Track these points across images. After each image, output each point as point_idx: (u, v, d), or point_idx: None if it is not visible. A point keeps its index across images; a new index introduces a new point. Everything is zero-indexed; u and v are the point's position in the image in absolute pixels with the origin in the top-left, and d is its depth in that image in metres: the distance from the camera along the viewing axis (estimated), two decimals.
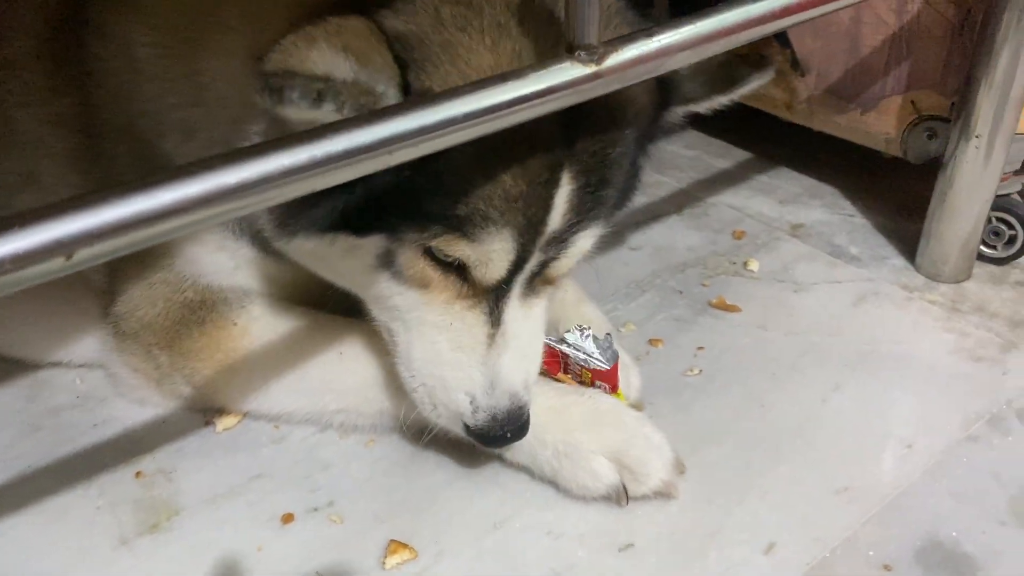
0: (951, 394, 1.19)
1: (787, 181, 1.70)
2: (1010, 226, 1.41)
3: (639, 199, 1.62)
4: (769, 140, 1.81)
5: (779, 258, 1.47)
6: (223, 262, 1.11)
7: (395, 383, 1.07)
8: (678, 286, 1.40)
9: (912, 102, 1.43)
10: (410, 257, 0.91)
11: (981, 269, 1.43)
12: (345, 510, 1.03)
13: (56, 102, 1.09)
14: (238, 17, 0.92)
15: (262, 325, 1.13)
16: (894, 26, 1.40)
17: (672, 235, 1.54)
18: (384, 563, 0.96)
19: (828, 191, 1.67)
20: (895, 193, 1.59)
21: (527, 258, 0.91)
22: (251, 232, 1.08)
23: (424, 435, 1.07)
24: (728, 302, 1.35)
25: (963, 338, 1.29)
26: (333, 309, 1.14)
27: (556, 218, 0.89)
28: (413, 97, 0.76)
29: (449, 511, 1.03)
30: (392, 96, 0.75)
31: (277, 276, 1.14)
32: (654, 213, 1.60)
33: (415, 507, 1.04)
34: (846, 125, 1.53)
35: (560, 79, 0.71)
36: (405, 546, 0.98)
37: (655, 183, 1.69)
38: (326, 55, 0.72)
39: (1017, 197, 1.42)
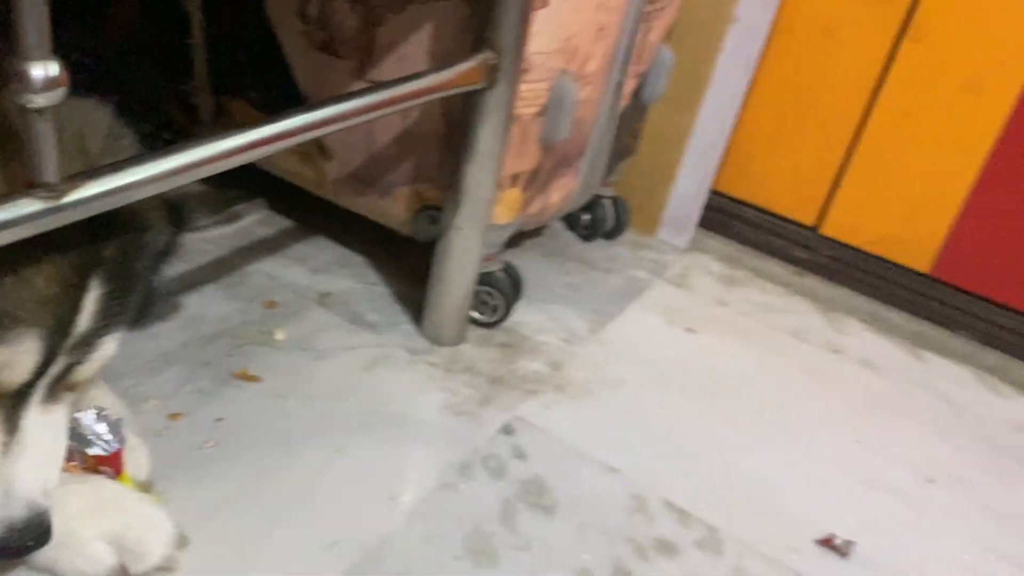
0: (434, 447, 1.42)
1: (321, 250, 1.87)
2: (494, 297, 1.71)
3: (176, 268, 1.69)
4: (308, 209, 1.96)
5: (305, 327, 1.62)
6: None
7: None
8: (205, 357, 1.48)
9: (417, 192, 1.67)
10: None
11: (473, 333, 1.71)
12: None
13: None
14: None
15: None
16: (401, 127, 1.63)
17: (205, 304, 1.61)
18: None
19: (357, 260, 1.86)
20: (412, 264, 1.81)
21: (51, 361, 0.94)
22: None
23: None
24: (250, 372, 1.46)
25: (452, 395, 1.54)
26: None
27: (84, 320, 0.94)
28: None
29: None
30: None
31: None
32: (189, 282, 1.66)
33: None
34: (367, 206, 1.73)
35: (18, 213, 0.76)
36: None
37: (195, 250, 1.75)
38: None
39: (499, 273, 1.72)
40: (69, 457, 1.13)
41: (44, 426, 0.99)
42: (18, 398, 0.96)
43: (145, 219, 1.00)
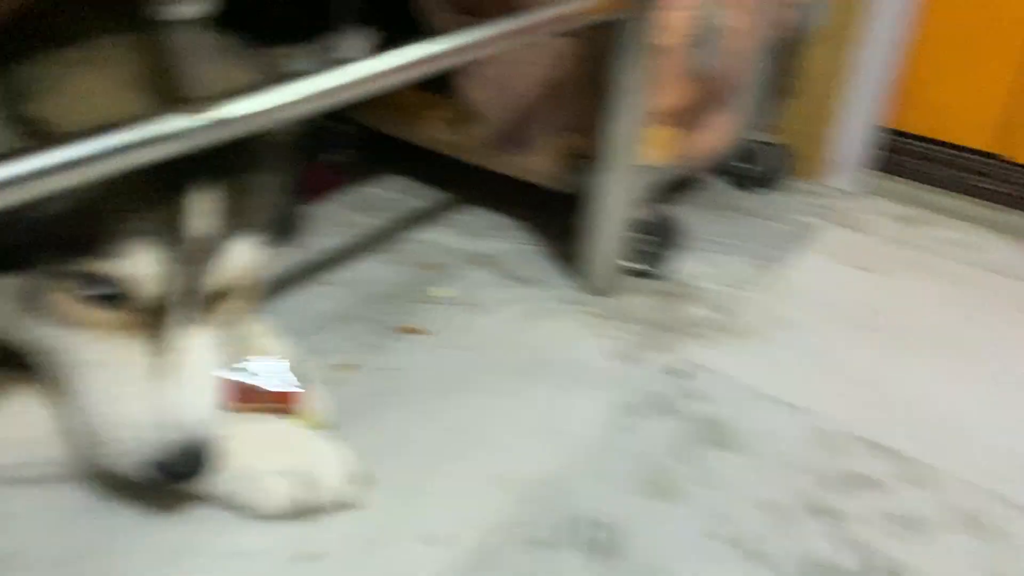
0: (601, 389, 1.38)
1: (473, 217, 1.88)
2: (649, 244, 1.67)
3: (339, 239, 1.75)
4: (461, 183, 1.99)
5: (462, 285, 1.63)
6: None
7: (66, 428, 1.07)
8: (374, 315, 1.51)
9: (564, 142, 1.65)
10: (57, 295, 0.92)
11: (632, 284, 1.67)
12: (32, 562, 1.02)
13: None
14: None
15: None
16: (543, 76, 1.62)
17: (368, 269, 1.65)
18: None
19: (508, 223, 1.87)
20: (561, 224, 1.79)
21: (179, 273, 0.93)
22: None
23: (106, 481, 1.08)
24: (416, 327, 1.48)
25: (615, 341, 1.50)
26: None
27: (197, 223, 0.92)
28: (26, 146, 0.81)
29: (128, 546, 1.05)
30: None
31: None
32: (352, 250, 1.71)
33: (98, 549, 1.05)
34: (515, 164, 1.73)
35: (168, 129, 0.79)
36: None
37: (358, 223, 1.81)
38: None
39: (653, 219, 1.67)
40: (243, 398, 1.17)
41: (194, 349, 0.99)
42: (162, 317, 0.96)
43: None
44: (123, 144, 0.75)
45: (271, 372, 1.17)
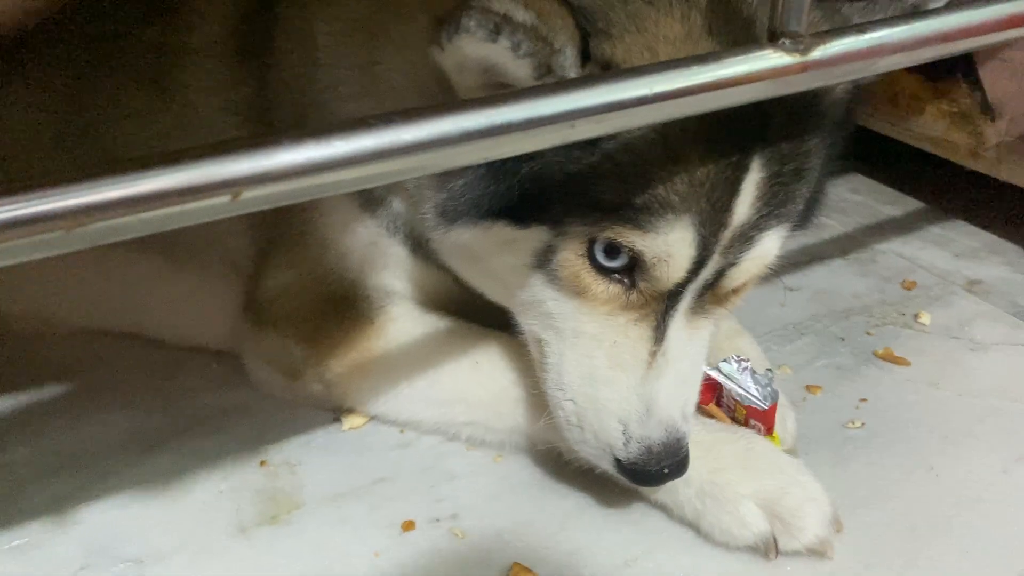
0: None
1: (962, 234, 1.57)
2: None
3: (799, 239, 1.54)
4: (942, 190, 1.68)
5: (954, 314, 1.34)
6: (373, 258, 1.09)
7: (531, 400, 1.02)
8: (840, 332, 1.29)
9: None
10: (569, 257, 0.84)
11: None
12: (469, 525, 0.97)
13: (235, 91, 1.10)
14: (418, 5, 0.91)
15: (398, 327, 1.10)
16: None
17: (835, 279, 1.43)
18: None
19: (1010, 248, 1.53)
20: None
21: (707, 258, 0.82)
22: (405, 230, 1.06)
23: (557, 458, 1.01)
24: (896, 354, 1.23)
25: None
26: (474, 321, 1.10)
27: (743, 208, 0.80)
28: (607, 72, 0.72)
29: (576, 543, 0.96)
30: (570, 55, 0.72)
31: (422, 281, 1.11)
32: (815, 255, 1.50)
33: (541, 532, 0.97)
34: None
35: (761, 66, 0.65)
36: (529, 572, 0.91)
37: (817, 224, 1.58)
38: (506, 2, 0.68)
39: None
40: (717, 401, 1.03)
41: (688, 342, 0.88)
42: (668, 303, 0.85)
43: (818, 100, 0.81)
44: (708, 79, 0.61)
45: (751, 380, 1.00)
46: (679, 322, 0.87)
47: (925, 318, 1.31)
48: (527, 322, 0.95)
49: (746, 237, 0.83)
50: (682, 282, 0.83)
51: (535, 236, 0.84)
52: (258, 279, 1.15)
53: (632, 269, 0.83)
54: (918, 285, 1.41)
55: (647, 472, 0.88)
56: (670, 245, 0.79)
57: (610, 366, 0.88)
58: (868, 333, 1.29)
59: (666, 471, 0.87)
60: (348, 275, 1.09)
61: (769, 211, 0.82)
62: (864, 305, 1.36)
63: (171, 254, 1.20)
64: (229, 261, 1.19)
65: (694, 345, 0.90)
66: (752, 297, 1.25)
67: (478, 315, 1.08)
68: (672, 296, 0.85)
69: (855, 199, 1.69)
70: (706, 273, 0.84)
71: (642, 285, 0.84)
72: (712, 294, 0.88)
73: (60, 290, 1.24)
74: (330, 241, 1.08)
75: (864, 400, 1.15)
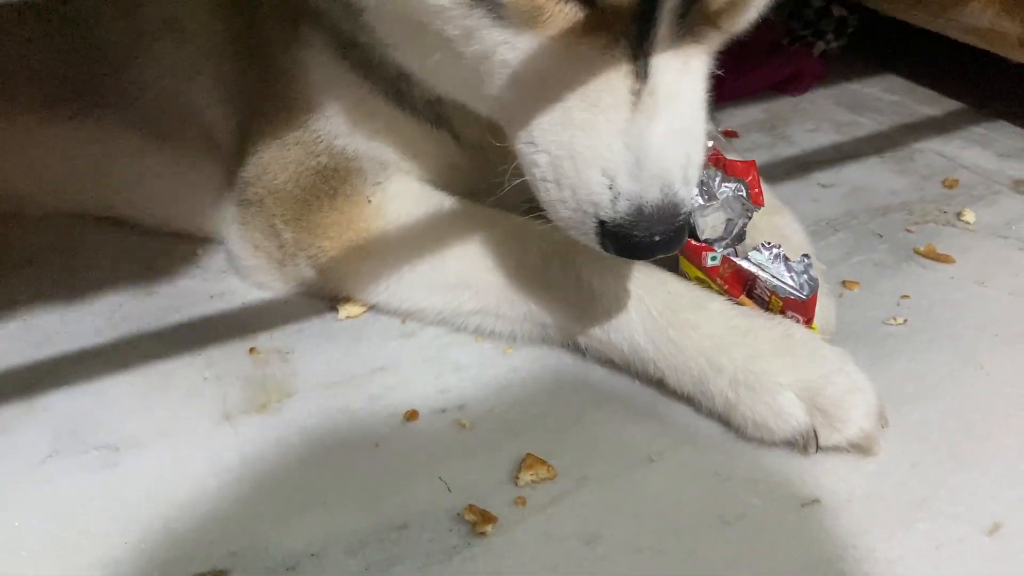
0: None
1: (1007, 135, 1.46)
2: None
3: (830, 136, 1.44)
4: (981, 91, 1.57)
5: (999, 213, 1.24)
6: (361, 120, 0.98)
7: (543, 284, 0.92)
8: (878, 229, 1.19)
9: None
10: None
11: None
12: (476, 416, 0.89)
13: None
14: None
15: (397, 206, 0.99)
16: None
17: (871, 176, 1.33)
18: (517, 478, 0.81)
19: None
20: None
21: None
22: (386, 80, 0.96)
23: (574, 350, 0.93)
24: (939, 251, 1.14)
25: None
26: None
27: None
28: None
29: (595, 436, 0.87)
30: None
31: (419, 146, 1.01)
32: (848, 153, 1.40)
33: (556, 426, 0.88)
34: None
35: None
36: (544, 463, 0.82)
37: (850, 122, 1.48)
38: None
39: None
40: (748, 292, 0.93)
41: (680, 75, 0.72)
42: (641, 28, 0.69)
43: None
44: None
45: (785, 268, 0.90)
46: (662, 47, 0.70)
47: (969, 216, 1.22)
48: (493, 101, 0.79)
49: None
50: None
51: None
52: (241, 155, 1.05)
53: None
54: (960, 184, 1.30)
55: (635, 239, 0.73)
56: None
57: (585, 107, 0.72)
58: (908, 230, 1.19)
59: (657, 239, 0.73)
60: (338, 143, 0.99)
61: None
62: (903, 202, 1.26)
63: (146, 129, 1.10)
64: (208, 137, 1.09)
65: (688, 79, 0.73)
66: (782, 192, 1.17)
67: (487, 195, 0.98)
68: (645, 13, 0.69)
69: (890, 99, 1.58)
70: None
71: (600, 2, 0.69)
72: (699, 11, 0.72)
73: (30, 169, 1.14)
74: (315, 104, 0.98)
75: (906, 297, 1.06)
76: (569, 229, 0.79)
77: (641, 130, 0.71)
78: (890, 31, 1.65)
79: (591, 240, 0.77)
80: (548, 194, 0.77)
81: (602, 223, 0.74)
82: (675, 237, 0.74)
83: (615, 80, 0.70)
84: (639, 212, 0.71)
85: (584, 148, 0.72)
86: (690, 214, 0.75)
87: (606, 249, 0.76)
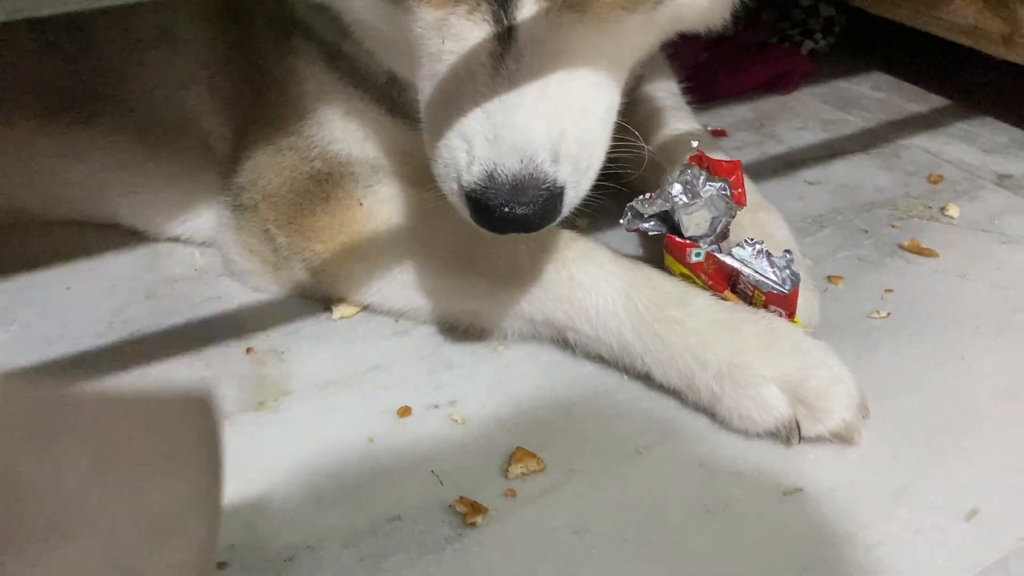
0: None
1: (991, 130, 1.48)
2: None
3: (817, 134, 1.46)
4: (967, 87, 1.59)
5: (983, 208, 1.26)
6: (353, 128, 1.01)
7: (533, 283, 0.94)
8: (863, 225, 1.21)
9: None
10: None
11: None
12: (469, 412, 0.91)
13: None
14: None
15: (388, 209, 1.02)
16: None
17: (857, 173, 1.35)
18: (507, 471, 0.84)
19: None
20: None
21: None
22: (377, 88, 0.99)
23: (563, 347, 0.95)
24: (923, 246, 1.16)
25: None
26: None
27: None
28: None
29: (584, 430, 0.90)
30: None
31: (407, 149, 1.02)
32: (835, 150, 1.41)
33: (545, 421, 0.90)
34: None
35: None
36: (534, 456, 0.85)
37: (837, 120, 1.50)
38: None
39: None
40: (732, 287, 0.95)
41: (551, 44, 0.70)
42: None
43: None
44: None
45: (767, 263, 0.93)
46: (529, 14, 0.69)
47: (953, 211, 1.24)
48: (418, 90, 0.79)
49: None
50: None
51: None
52: (235, 160, 1.07)
53: None
54: (945, 179, 1.32)
55: (487, 207, 0.71)
56: None
57: (450, 77, 0.72)
58: (893, 226, 1.21)
59: (518, 211, 0.71)
60: (331, 148, 1.01)
61: None
62: (888, 198, 1.28)
63: (144, 137, 1.12)
64: (205, 144, 1.11)
65: (565, 54, 0.71)
66: (770, 190, 1.19)
67: None
68: None
69: (877, 96, 1.60)
70: None
71: None
72: None
73: (32, 178, 1.16)
74: (309, 111, 1.00)
75: (889, 291, 1.08)
76: (449, 198, 0.79)
77: (502, 97, 0.70)
78: (877, 29, 1.67)
79: (461, 207, 0.77)
80: (434, 167, 0.78)
81: (466, 184, 0.73)
82: (539, 213, 0.72)
83: (477, 46, 0.70)
84: (490, 179, 0.70)
85: (447, 117, 0.73)
86: (562, 192, 0.73)
87: (473, 219, 0.76)
